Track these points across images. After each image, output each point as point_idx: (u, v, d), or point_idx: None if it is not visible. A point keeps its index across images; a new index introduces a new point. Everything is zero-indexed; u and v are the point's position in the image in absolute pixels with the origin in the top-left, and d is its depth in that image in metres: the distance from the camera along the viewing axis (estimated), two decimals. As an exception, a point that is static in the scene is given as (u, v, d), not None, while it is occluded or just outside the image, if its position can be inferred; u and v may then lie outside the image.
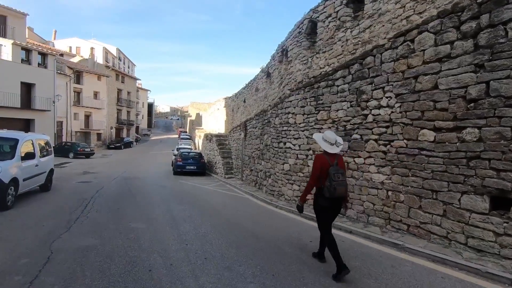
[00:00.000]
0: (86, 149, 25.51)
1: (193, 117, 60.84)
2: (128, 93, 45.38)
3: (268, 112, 9.68)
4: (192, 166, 16.19)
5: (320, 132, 6.16)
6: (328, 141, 3.78)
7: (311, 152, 7.10)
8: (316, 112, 6.93)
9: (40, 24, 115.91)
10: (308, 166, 7.17)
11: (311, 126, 7.10)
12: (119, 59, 56.37)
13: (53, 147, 25.40)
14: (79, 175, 14.75)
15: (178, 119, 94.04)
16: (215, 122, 27.24)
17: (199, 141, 28.46)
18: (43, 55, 26.47)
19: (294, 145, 7.74)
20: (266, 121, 9.86)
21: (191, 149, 24.01)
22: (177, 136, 54.91)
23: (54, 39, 53.09)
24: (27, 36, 35.89)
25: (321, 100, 6.78)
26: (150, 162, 23.11)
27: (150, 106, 69.79)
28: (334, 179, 3.54)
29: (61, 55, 40.86)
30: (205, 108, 60.65)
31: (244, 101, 17.58)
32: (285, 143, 8.20)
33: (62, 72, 30.50)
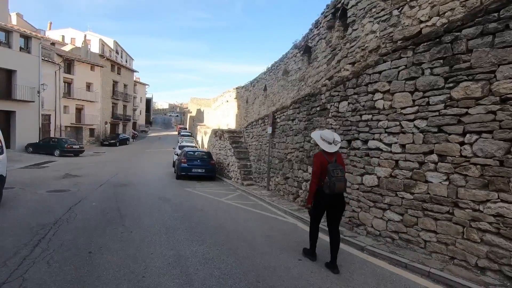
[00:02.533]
0: (74, 146, 22.29)
1: (194, 113, 57.76)
2: (125, 86, 42.07)
3: (322, 96, 6.56)
4: (200, 169, 13.04)
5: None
6: (326, 140, 3.86)
7: (434, 157, 3.98)
8: (450, 85, 3.82)
9: (36, 20, 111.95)
10: (426, 182, 4.06)
11: (434, 111, 3.98)
12: (117, 52, 52.99)
13: (37, 143, 22.37)
14: (57, 179, 11.59)
15: (177, 115, 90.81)
16: (222, 117, 23.98)
17: (203, 137, 25.32)
18: (26, 38, 23.16)
19: (388, 144, 4.63)
20: (318, 108, 6.74)
21: (197, 147, 20.86)
22: (176, 133, 51.93)
23: (49, 29, 49.71)
24: (15, 23, 32.68)
25: (464, 62, 3.67)
26: (147, 162, 19.95)
27: (149, 101, 66.44)
28: (333, 175, 3.62)
29: (53, 44, 37.57)
30: (207, 103, 57.37)
31: (265, 89, 14.36)
32: (365, 141, 5.08)
33: (50, 60, 27.23)
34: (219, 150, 15.29)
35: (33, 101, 23.08)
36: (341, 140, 4.73)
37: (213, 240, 4.88)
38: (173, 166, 17.34)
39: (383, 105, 4.75)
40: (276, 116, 9.56)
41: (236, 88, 19.40)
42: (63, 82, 29.42)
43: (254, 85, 16.00)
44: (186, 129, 52.02)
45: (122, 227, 5.48)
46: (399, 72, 4.50)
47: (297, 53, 10.42)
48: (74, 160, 19.21)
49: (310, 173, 6.94)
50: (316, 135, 4.03)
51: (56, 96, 27.92)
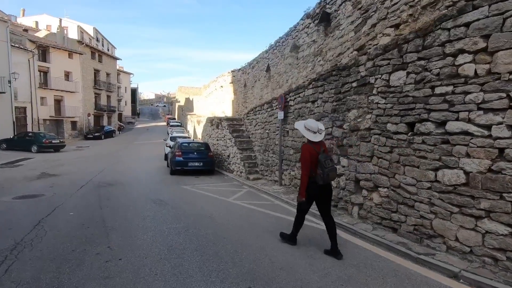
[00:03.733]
0: (54, 141, 20.27)
1: (182, 103, 55.57)
2: (108, 74, 39.45)
3: (361, 67, 5.13)
4: (197, 162, 11.54)
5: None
6: (310, 130, 3.84)
7: None
8: None
9: (7, 8, 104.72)
10: None
11: None
12: (97, 40, 49.72)
13: (11, 138, 20.22)
14: (30, 180, 9.90)
15: (164, 105, 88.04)
16: (216, 104, 22.18)
17: (195, 127, 23.64)
18: (-9, 20, 20.62)
19: (485, 126, 3.27)
20: (354, 84, 5.31)
21: (192, 138, 19.23)
22: (165, 123, 49.86)
23: (23, 16, 46.05)
24: (-21, 6, 29.51)
25: None
26: (136, 156, 18.25)
27: (134, 91, 63.42)
28: (325, 166, 3.65)
29: (26, 30, 34.51)
30: (196, 92, 55.16)
31: (268, 70, 12.72)
32: (441, 123, 3.71)
33: (22, 46, 24.66)
34: (217, 140, 13.77)
35: (4, 92, 20.82)
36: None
37: (239, 269, 3.46)
38: (165, 159, 15.77)
39: (475, 71, 3.35)
40: (289, 99, 8.10)
41: (232, 71, 17.65)
42: (38, 71, 26.93)
43: (253, 66, 14.34)
44: (175, 119, 49.98)
45: (108, 250, 4.00)
46: (505, 19, 3.09)
47: (310, 23, 8.85)
48: (53, 157, 17.32)
49: (343, 166, 5.59)
50: (299, 125, 4.01)
51: (32, 86, 25.50)
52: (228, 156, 12.17)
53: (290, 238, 4.19)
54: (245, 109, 15.11)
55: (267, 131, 9.78)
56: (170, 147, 14.06)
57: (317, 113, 6.59)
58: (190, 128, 30.33)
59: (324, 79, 6.37)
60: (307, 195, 3.82)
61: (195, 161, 11.51)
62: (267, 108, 9.77)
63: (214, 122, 14.15)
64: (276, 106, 9.02)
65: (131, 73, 59.40)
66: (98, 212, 5.95)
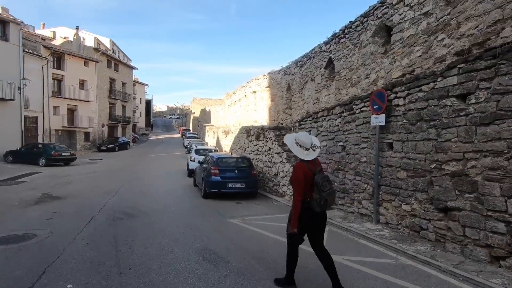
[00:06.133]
0: (64, 153, 18.13)
1: (197, 114, 53.76)
2: (123, 84, 37.92)
3: None
4: (238, 183, 8.95)
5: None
6: (302, 145, 3.15)
7: None
8: None
9: (28, 22, 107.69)
10: None
11: None
12: (113, 51, 48.81)
13: (18, 150, 18.10)
14: (25, 205, 7.53)
15: (178, 117, 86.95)
16: (244, 112, 19.56)
17: (220, 138, 21.20)
18: (3, 23, 19.01)
19: None
20: None
21: (217, 150, 16.72)
22: (179, 135, 48.18)
23: (43, 28, 45.83)
24: (-2, 13, 28.58)
25: None
26: (155, 171, 15.83)
27: (148, 102, 62.17)
28: (323, 189, 3.00)
29: (43, 39, 33.54)
30: (211, 103, 53.43)
31: (328, 65, 10.02)
32: None
33: (36, 53, 23.08)
34: (257, 154, 11.20)
35: (13, 99, 18.99)
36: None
37: None
38: (189, 175, 13.35)
39: None
40: (393, 96, 5.50)
41: (269, 73, 15.12)
42: (52, 79, 25.26)
43: (302, 64, 11.76)
44: (190, 130, 48.05)
45: None
46: None
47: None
48: (62, 171, 15.09)
49: None
50: (289, 139, 3.29)
51: (44, 94, 23.76)
52: (276, 174, 9.56)
53: (287, 282, 3.26)
54: (289, 117, 12.51)
55: (340, 143, 7.16)
56: (199, 162, 11.56)
57: (478, 114, 3.95)
58: (208, 139, 28.05)
59: (494, 56, 3.76)
60: (301, 224, 3.05)
61: (235, 182, 8.95)
62: (341, 112, 7.18)
63: (252, 133, 11.62)
64: (361, 108, 6.44)
65: (146, 84, 58.32)
66: (116, 284, 3.39)
